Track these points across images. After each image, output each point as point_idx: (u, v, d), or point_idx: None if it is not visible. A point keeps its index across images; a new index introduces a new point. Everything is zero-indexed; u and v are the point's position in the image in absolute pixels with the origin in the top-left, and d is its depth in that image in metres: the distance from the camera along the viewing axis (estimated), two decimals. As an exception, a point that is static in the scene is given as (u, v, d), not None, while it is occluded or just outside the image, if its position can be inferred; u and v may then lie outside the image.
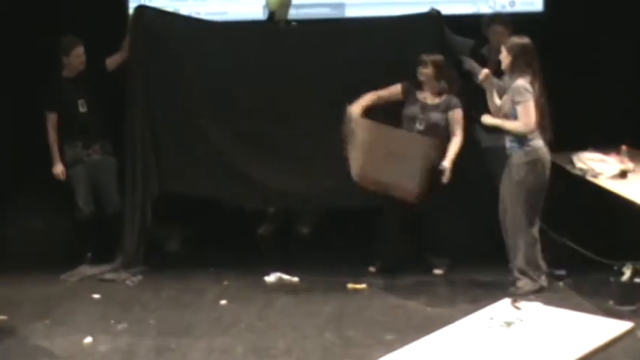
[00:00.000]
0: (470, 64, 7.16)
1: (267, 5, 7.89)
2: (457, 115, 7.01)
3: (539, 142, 6.63)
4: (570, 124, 7.81)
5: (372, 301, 6.61)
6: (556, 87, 7.85)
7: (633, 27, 8.27)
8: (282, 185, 7.35)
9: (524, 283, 6.66)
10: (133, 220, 7.36)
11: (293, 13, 8.13)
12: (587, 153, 7.08)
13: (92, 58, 7.44)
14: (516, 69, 6.62)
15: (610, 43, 8.29)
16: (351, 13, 8.65)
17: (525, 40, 6.67)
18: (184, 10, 8.58)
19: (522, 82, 6.57)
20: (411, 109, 7.05)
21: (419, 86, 7.08)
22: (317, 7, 8.26)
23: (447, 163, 6.83)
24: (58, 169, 7.37)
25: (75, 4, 8.33)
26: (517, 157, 6.63)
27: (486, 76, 6.71)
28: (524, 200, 6.62)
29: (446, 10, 7.70)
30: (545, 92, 6.69)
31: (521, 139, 6.62)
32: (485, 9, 8.57)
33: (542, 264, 6.77)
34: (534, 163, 6.60)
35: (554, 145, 6.96)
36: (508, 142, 6.69)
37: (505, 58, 6.65)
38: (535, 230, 6.74)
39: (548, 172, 6.66)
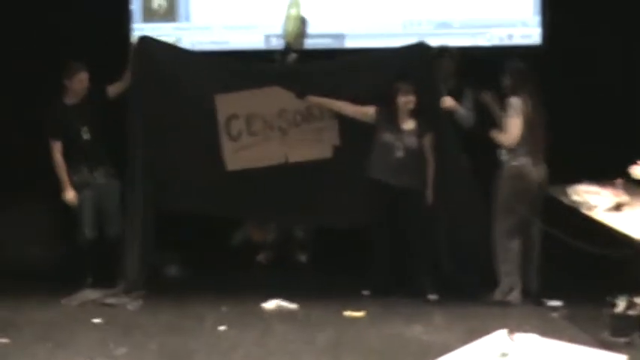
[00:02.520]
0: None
1: (283, 36, 8.04)
2: (430, 140, 7.21)
3: (523, 159, 7.06)
4: (566, 156, 7.93)
5: (369, 329, 6.65)
6: (553, 119, 7.98)
7: (632, 59, 8.37)
8: (278, 201, 7.54)
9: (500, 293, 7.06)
10: (134, 244, 7.43)
11: (295, 44, 8.30)
12: (583, 185, 7.14)
13: (94, 85, 7.54)
14: (513, 90, 7.08)
15: (607, 76, 8.40)
16: (350, 43, 8.79)
17: (520, 64, 7.16)
18: (187, 39, 8.72)
19: (515, 100, 7.04)
20: (388, 136, 7.20)
21: (393, 112, 7.21)
22: (319, 37, 8.38)
23: (429, 191, 7.19)
24: (70, 194, 7.45)
25: (78, 34, 8.45)
26: (504, 170, 7.08)
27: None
28: (503, 212, 7.05)
29: (445, 42, 7.84)
30: (542, 114, 7.14)
31: (509, 153, 7.06)
32: (482, 42, 8.69)
33: (518, 281, 7.08)
34: (515, 177, 7.04)
35: (549, 175, 7.16)
36: (501, 156, 7.12)
37: (505, 81, 7.14)
38: (513, 244, 7.09)
39: (530, 187, 7.07)
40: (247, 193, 7.52)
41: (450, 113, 7.32)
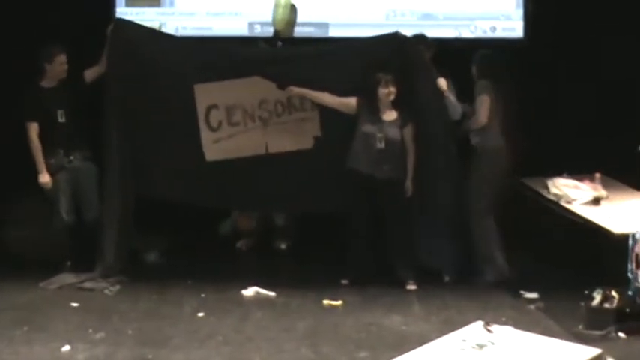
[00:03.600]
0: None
1: (273, 24, 8.02)
2: (411, 131, 7.24)
3: (496, 139, 7.26)
4: (546, 150, 8.00)
5: (347, 317, 6.68)
6: (533, 112, 8.04)
7: (611, 55, 8.42)
8: (258, 190, 7.54)
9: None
10: (111, 229, 7.43)
11: (278, 31, 8.31)
12: (562, 179, 7.20)
13: (72, 69, 7.51)
14: (479, 75, 7.34)
15: (588, 70, 8.45)
16: (334, 32, 8.79)
17: (486, 51, 7.46)
18: (171, 24, 8.69)
19: (482, 82, 7.28)
20: (369, 127, 7.21)
21: (374, 103, 7.23)
22: (302, 26, 8.37)
23: (409, 182, 7.23)
24: (45, 178, 7.43)
25: (61, 18, 8.42)
26: (478, 151, 7.32)
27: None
28: (478, 190, 7.23)
29: (428, 34, 7.85)
30: (512, 98, 7.29)
31: (481, 135, 7.31)
32: (466, 33, 8.72)
33: (499, 257, 7.26)
34: (490, 158, 7.26)
35: (528, 169, 7.25)
36: (474, 139, 7.35)
37: (473, 69, 7.37)
38: (489, 222, 7.24)
39: (504, 167, 7.26)
40: (227, 182, 7.50)
41: (441, 99, 7.29)
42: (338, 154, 7.28)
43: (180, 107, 7.47)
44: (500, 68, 7.32)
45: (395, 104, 7.23)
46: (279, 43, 7.96)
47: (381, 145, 7.18)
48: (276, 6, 7.94)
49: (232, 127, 7.50)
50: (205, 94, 7.44)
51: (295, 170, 7.44)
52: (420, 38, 7.67)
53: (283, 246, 8.34)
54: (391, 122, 7.23)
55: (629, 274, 6.21)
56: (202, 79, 7.44)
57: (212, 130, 7.49)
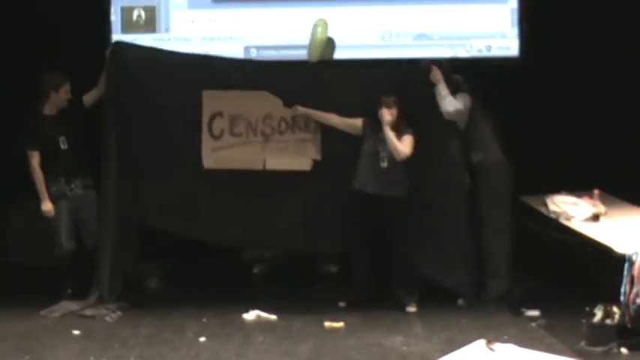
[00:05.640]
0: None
1: (309, 58, 7.98)
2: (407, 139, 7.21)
3: (497, 155, 7.43)
4: (544, 167, 8.01)
5: (349, 339, 6.66)
6: (531, 130, 8.06)
7: (607, 72, 8.45)
8: (257, 226, 7.53)
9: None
10: (108, 255, 7.42)
11: (273, 55, 8.32)
12: (561, 196, 7.21)
13: (72, 95, 7.52)
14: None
15: (584, 87, 8.47)
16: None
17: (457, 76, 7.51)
18: (167, 50, 8.70)
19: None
20: (373, 146, 7.23)
21: (377, 124, 7.23)
22: (297, 49, 8.39)
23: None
24: (48, 206, 7.43)
25: (58, 45, 8.46)
26: (483, 168, 7.46)
27: None
28: (486, 206, 7.41)
29: (424, 53, 7.93)
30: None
31: (482, 151, 7.44)
32: (462, 53, 8.75)
33: (505, 272, 7.39)
34: (496, 173, 7.39)
35: (527, 187, 7.31)
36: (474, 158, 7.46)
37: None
38: (500, 236, 7.38)
39: (505, 177, 7.40)
40: (224, 217, 7.50)
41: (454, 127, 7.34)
42: (336, 179, 7.29)
43: (184, 118, 7.46)
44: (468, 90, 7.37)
45: (396, 127, 7.21)
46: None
47: (385, 164, 7.19)
48: (313, 40, 7.88)
49: (234, 138, 7.49)
50: (212, 100, 7.44)
51: (293, 197, 7.42)
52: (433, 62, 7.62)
53: (334, 269, 8.28)
54: None
55: (622, 297, 6.16)
56: (211, 86, 7.44)
57: (213, 137, 7.47)
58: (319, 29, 7.82)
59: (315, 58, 7.87)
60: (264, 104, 7.41)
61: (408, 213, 7.23)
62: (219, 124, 7.46)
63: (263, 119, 7.46)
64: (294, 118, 7.45)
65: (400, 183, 7.23)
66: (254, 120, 7.47)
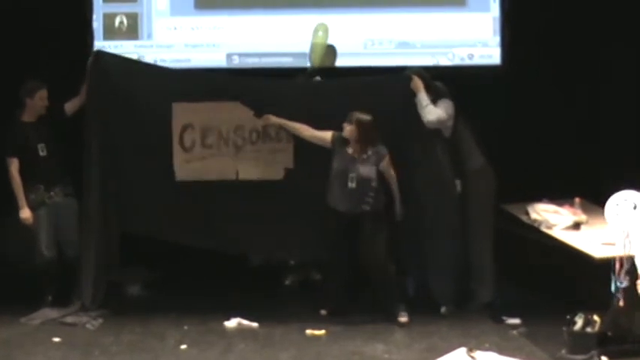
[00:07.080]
0: None
1: (310, 62, 8.03)
2: (387, 162, 7.14)
3: (474, 161, 7.42)
4: (525, 175, 8.04)
5: (331, 347, 6.67)
6: (512, 138, 8.09)
7: (589, 79, 8.49)
8: (239, 232, 7.50)
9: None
10: (89, 262, 7.40)
11: (256, 62, 8.32)
12: (542, 204, 7.23)
13: (52, 102, 7.50)
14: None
15: (566, 95, 8.52)
16: (311, 62, 8.82)
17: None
18: (149, 57, 8.71)
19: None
20: (341, 164, 7.14)
21: (346, 140, 7.16)
22: (280, 56, 8.40)
23: (398, 206, 7.16)
24: (26, 213, 7.40)
25: (40, 51, 8.43)
26: (471, 177, 7.40)
27: None
28: (473, 213, 7.39)
29: (406, 61, 7.93)
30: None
31: (467, 159, 7.42)
32: (444, 61, 8.77)
33: (490, 279, 7.35)
34: (483, 178, 7.38)
35: (508, 195, 7.31)
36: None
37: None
38: (485, 243, 7.39)
39: (489, 183, 7.39)
40: (200, 219, 7.47)
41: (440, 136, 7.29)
42: (309, 188, 7.27)
43: (157, 130, 7.44)
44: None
45: (369, 141, 7.12)
46: (317, 78, 7.93)
47: (353, 185, 7.08)
48: (314, 44, 7.93)
49: (205, 149, 7.46)
50: (183, 112, 7.42)
51: (267, 204, 7.39)
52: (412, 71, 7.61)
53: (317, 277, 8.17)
54: (364, 160, 7.11)
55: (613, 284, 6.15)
56: (182, 98, 7.43)
57: (185, 149, 7.45)
58: (320, 33, 7.92)
59: (317, 62, 7.88)
60: (235, 115, 7.41)
61: (384, 225, 7.16)
62: (191, 136, 7.45)
63: (235, 130, 7.45)
64: (265, 127, 7.43)
65: (372, 199, 7.09)
66: (225, 131, 7.46)
